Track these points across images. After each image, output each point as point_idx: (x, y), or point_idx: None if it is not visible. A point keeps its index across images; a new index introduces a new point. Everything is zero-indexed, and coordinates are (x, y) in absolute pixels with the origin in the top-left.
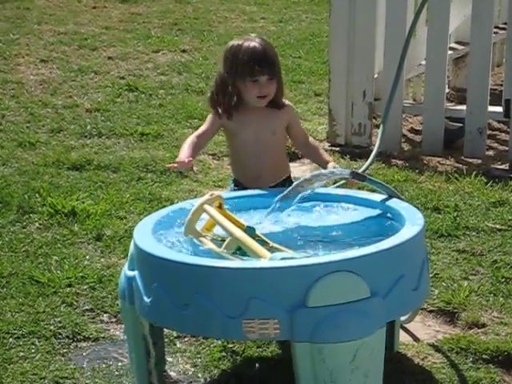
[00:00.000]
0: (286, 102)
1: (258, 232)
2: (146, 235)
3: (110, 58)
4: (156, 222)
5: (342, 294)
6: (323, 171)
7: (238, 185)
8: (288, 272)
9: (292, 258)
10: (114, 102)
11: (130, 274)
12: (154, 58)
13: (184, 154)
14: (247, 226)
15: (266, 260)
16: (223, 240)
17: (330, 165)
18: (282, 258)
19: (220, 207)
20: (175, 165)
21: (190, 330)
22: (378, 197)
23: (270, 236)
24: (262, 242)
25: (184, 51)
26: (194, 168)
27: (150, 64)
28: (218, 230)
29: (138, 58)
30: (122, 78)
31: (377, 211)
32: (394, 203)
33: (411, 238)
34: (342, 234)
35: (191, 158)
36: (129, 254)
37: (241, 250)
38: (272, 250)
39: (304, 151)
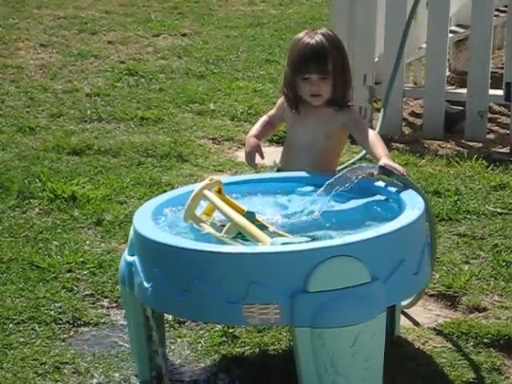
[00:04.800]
0: (350, 103)
1: (258, 217)
2: (145, 220)
3: (109, 42)
4: (156, 207)
5: (343, 279)
6: (353, 167)
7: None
8: (288, 257)
9: (292, 243)
10: (113, 86)
11: (130, 259)
12: (154, 42)
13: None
14: (247, 211)
15: (267, 245)
16: (223, 225)
17: (381, 161)
18: (283, 243)
19: (219, 192)
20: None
21: (190, 316)
22: (377, 182)
23: (272, 221)
24: (262, 227)
25: (184, 35)
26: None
27: (150, 48)
28: (217, 215)
29: (138, 42)
30: (122, 62)
31: (377, 196)
32: (395, 188)
33: (412, 223)
34: (342, 218)
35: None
36: (128, 239)
37: (241, 235)
38: (272, 234)
39: (366, 150)
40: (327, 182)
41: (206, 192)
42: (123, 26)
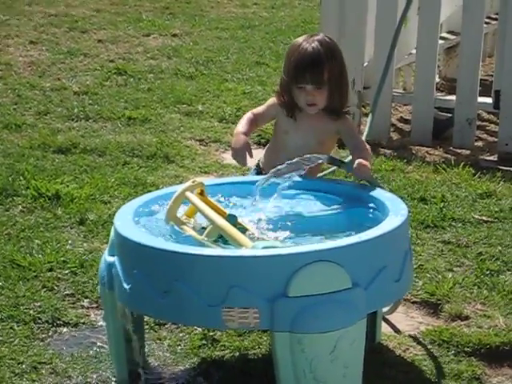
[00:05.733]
0: (346, 111)
1: (239, 220)
2: (126, 221)
3: (99, 40)
4: (137, 207)
5: (323, 284)
6: (302, 157)
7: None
8: (269, 261)
9: (274, 247)
10: (102, 85)
11: (110, 259)
12: (145, 41)
13: (239, 128)
14: (229, 214)
15: (248, 248)
16: (204, 228)
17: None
18: (264, 247)
19: (202, 194)
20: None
21: (169, 318)
22: (361, 187)
23: (253, 224)
24: (244, 231)
25: (175, 35)
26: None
27: (140, 48)
28: (199, 218)
29: (128, 41)
30: (112, 61)
31: (360, 201)
32: (378, 194)
33: (394, 229)
34: (325, 223)
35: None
36: (109, 240)
37: (222, 238)
38: (254, 238)
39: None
40: (276, 168)
41: (188, 194)
42: (114, 24)
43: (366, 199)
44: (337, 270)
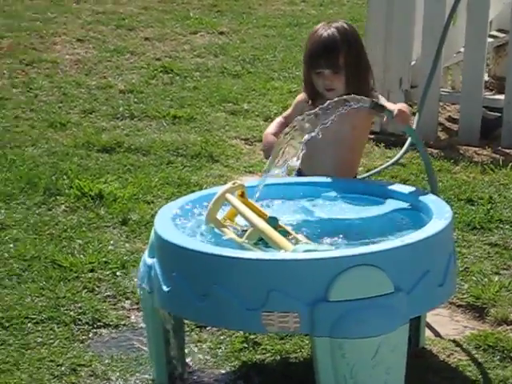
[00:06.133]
0: (376, 93)
1: (280, 223)
2: (166, 222)
3: (146, 38)
4: (178, 209)
5: (365, 289)
6: (345, 96)
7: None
8: (310, 265)
9: (315, 251)
10: (148, 83)
11: (150, 261)
12: (192, 39)
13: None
14: (270, 217)
15: (288, 252)
16: (245, 230)
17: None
18: (305, 251)
19: (242, 196)
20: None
21: (208, 321)
22: (406, 189)
23: (294, 227)
24: (285, 233)
25: (222, 33)
26: None
27: (187, 46)
28: (240, 220)
29: (175, 39)
30: (158, 59)
31: (404, 204)
32: (422, 196)
33: (438, 233)
34: (367, 226)
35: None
36: (149, 241)
37: (263, 241)
38: (294, 241)
39: None
40: (319, 107)
41: (229, 196)
42: (161, 22)
43: (410, 201)
44: (379, 274)
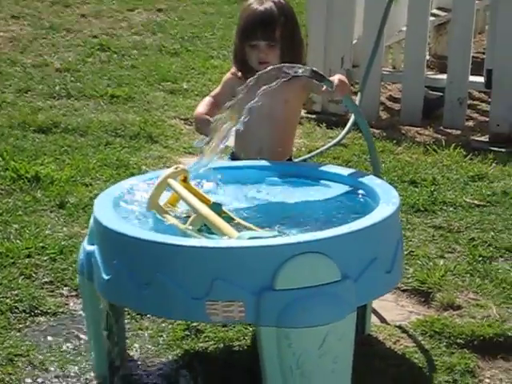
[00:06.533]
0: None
1: (224, 208)
2: (106, 208)
3: (83, 15)
4: (118, 194)
5: (312, 277)
6: (285, 65)
7: (236, 160)
8: (255, 252)
9: (260, 238)
10: (84, 61)
11: (90, 248)
12: (129, 16)
13: (199, 109)
14: (213, 202)
15: (233, 239)
16: (188, 216)
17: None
18: (250, 238)
19: (185, 181)
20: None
21: (151, 311)
22: (350, 172)
23: (239, 213)
24: (229, 220)
25: (160, 10)
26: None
27: (125, 23)
28: (182, 206)
29: (112, 16)
30: (95, 36)
31: (350, 188)
32: (368, 180)
33: (386, 219)
34: (313, 211)
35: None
36: (89, 228)
37: (206, 228)
38: (239, 227)
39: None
40: (258, 74)
41: (171, 181)
42: None
43: (356, 185)
44: (326, 262)
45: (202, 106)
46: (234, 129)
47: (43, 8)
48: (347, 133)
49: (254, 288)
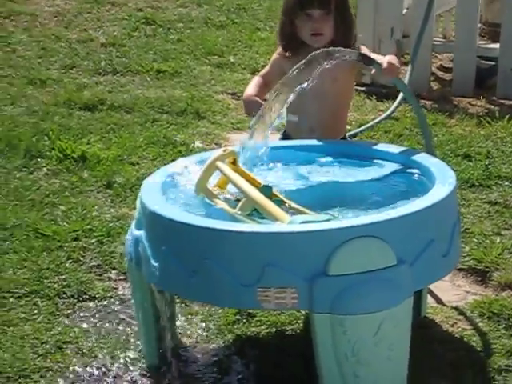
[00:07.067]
0: (359, 45)
1: (275, 191)
2: (153, 192)
3: None
4: (166, 177)
5: (366, 262)
6: (328, 49)
7: (288, 139)
8: (307, 237)
9: (313, 222)
10: (130, 36)
11: (137, 233)
12: None
13: (249, 91)
14: (263, 185)
15: (285, 223)
16: (238, 200)
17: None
18: (302, 222)
19: (234, 163)
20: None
21: (200, 298)
22: (405, 150)
23: (290, 194)
24: (280, 203)
25: None
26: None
27: None
28: (232, 189)
29: None
30: (140, 10)
31: (405, 167)
32: (423, 159)
33: (442, 200)
34: (367, 193)
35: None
36: (136, 212)
37: (257, 212)
38: (291, 211)
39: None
40: (306, 59)
41: (219, 163)
42: None
43: (410, 165)
44: (381, 246)
45: (252, 87)
46: (284, 108)
47: None
48: (397, 106)
49: (306, 274)
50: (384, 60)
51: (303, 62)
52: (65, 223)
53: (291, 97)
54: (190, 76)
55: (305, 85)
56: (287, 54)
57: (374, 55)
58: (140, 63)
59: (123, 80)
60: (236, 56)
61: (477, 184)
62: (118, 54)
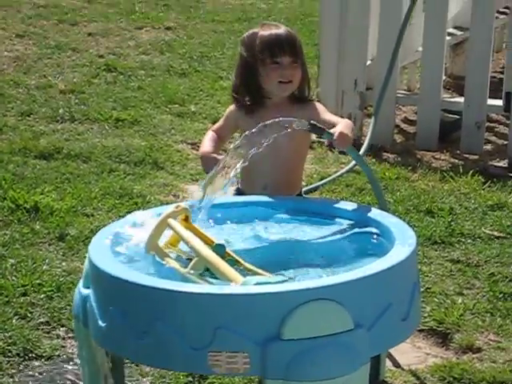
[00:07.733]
0: (313, 97)
1: (229, 250)
2: (102, 250)
3: (90, 34)
4: (116, 233)
5: (322, 326)
6: (279, 119)
7: (241, 195)
8: (261, 299)
9: (267, 283)
10: (90, 82)
11: (85, 292)
12: (137, 35)
13: (205, 148)
14: (216, 244)
15: (237, 284)
16: (190, 259)
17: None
18: (256, 283)
19: (186, 220)
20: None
21: (149, 362)
22: (364, 209)
23: (244, 254)
24: (234, 262)
25: (168, 28)
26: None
27: (132, 42)
28: (184, 247)
29: (119, 34)
30: (101, 56)
31: (363, 226)
32: (383, 217)
33: (401, 262)
34: (324, 252)
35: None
36: (84, 269)
37: (209, 272)
38: (245, 272)
39: None
40: (257, 127)
41: (171, 221)
42: (105, 17)
43: (369, 224)
44: (337, 310)
45: (207, 143)
46: (238, 166)
47: (49, 27)
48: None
49: (259, 338)
50: (336, 129)
51: (253, 131)
52: (13, 277)
53: (246, 162)
54: (150, 125)
55: (259, 150)
56: (244, 110)
57: (328, 116)
58: (99, 111)
59: (81, 128)
60: (197, 105)
61: (439, 241)
62: (76, 101)
